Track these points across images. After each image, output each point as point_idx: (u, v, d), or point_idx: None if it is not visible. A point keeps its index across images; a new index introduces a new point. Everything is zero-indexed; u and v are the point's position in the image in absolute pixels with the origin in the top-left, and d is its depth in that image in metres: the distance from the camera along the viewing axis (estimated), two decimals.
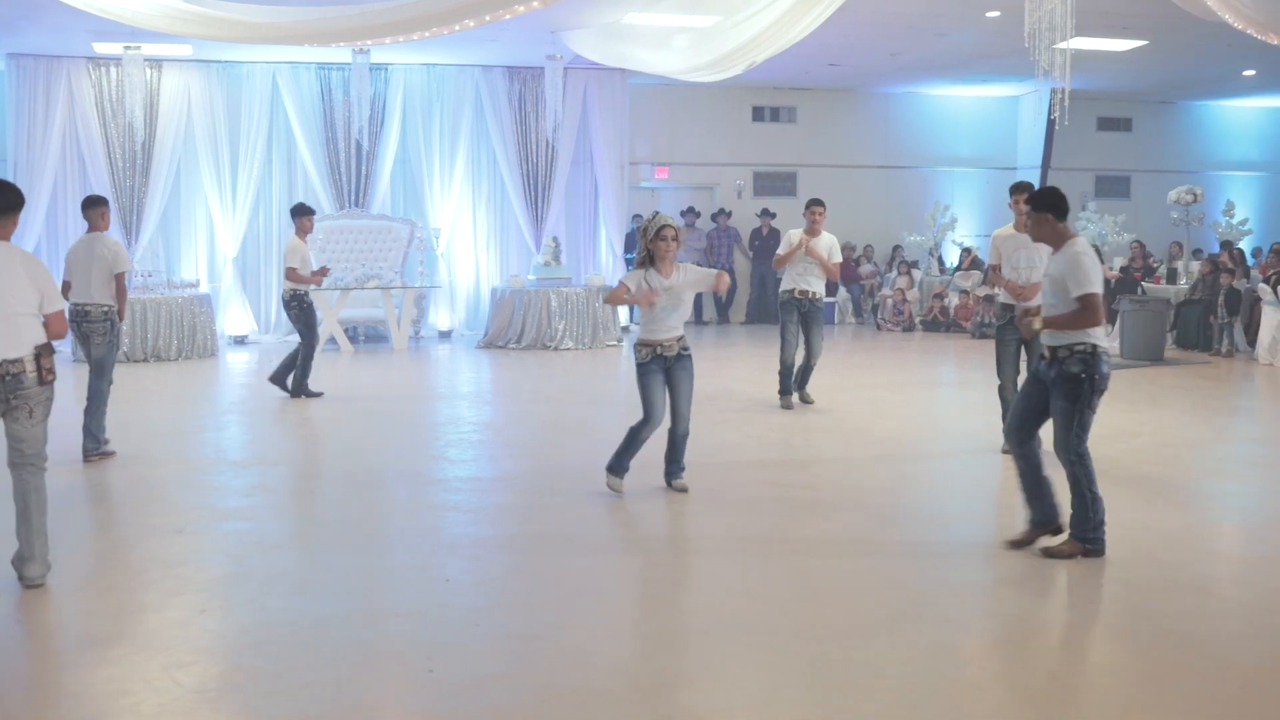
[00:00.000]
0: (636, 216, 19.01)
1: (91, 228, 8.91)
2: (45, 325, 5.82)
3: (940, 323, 18.57)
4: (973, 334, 17.61)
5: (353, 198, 17.52)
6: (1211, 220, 20.40)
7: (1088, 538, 5.97)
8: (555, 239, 17.50)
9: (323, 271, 11.91)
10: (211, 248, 17.46)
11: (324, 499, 7.79)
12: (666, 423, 7.42)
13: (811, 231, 10.69)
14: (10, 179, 16.17)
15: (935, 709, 4.26)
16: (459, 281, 18.31)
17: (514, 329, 16.33)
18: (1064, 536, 6.06)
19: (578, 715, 4.20)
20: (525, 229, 18.27)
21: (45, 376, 5.71)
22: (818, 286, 10.81)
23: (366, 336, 17.56)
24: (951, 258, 20.63)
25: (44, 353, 5.73)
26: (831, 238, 10.81)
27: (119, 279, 8.76)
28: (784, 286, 10.87)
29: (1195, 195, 17.91)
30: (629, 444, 7.46)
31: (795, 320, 10.79)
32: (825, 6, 11.43)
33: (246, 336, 17.21)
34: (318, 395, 11.65)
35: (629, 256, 18.34)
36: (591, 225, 18.97)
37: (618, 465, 7.51)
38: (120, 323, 8.86)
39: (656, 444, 7.55)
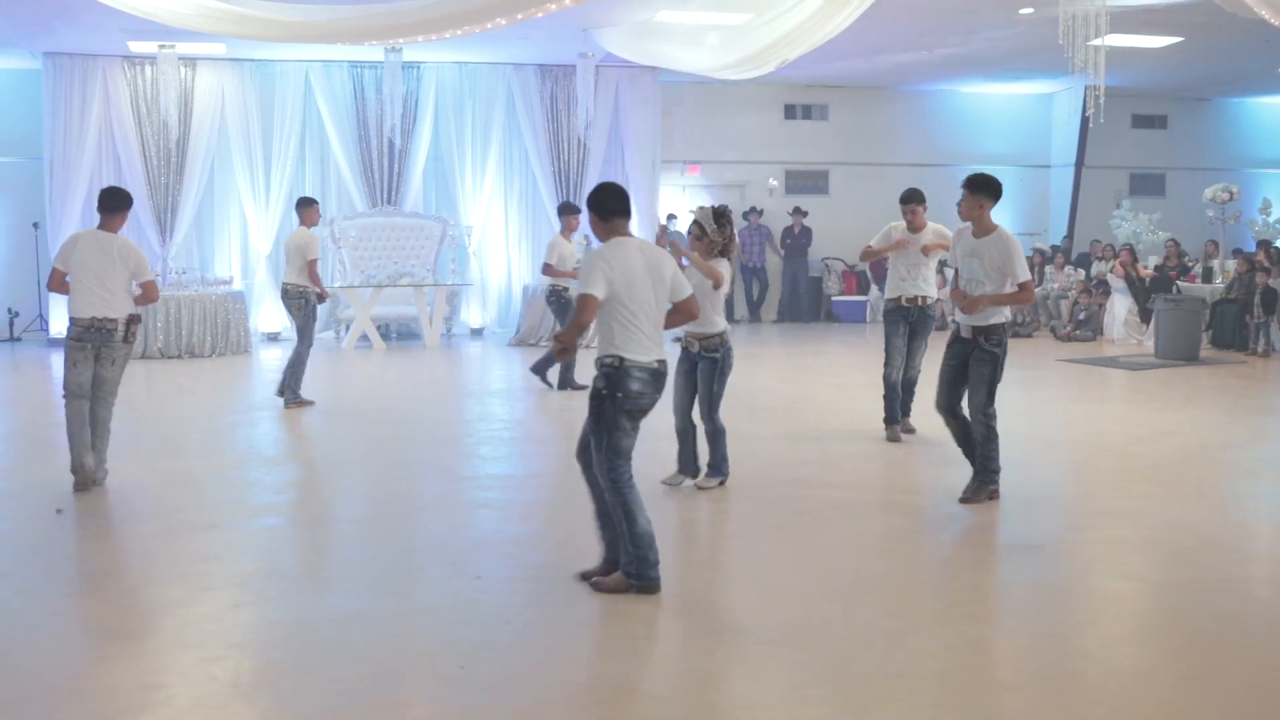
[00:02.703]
0: (671, 216, 18.99)
1: (301, 223, 10.93)
2: (141, 294, 7.67)
3: None
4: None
5: (385, 196, 17.58)
6: (1248, 218, 20.17)
7: (630, 572, 5.37)
8: (586, 237, 17.48)
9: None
10: (245, 245, 17.56)
11: (355, 495, 7.83)
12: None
13: (914, 229, 9.26)
14: (47, 176, 16.52)
15: (964, 711, 4.24)
16: (490, 279, 18.33)
17: (545, 326, 16.35)
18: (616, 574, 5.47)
19: (608, 713, 4.20)
20: (557, 227, 18.21)
21: (128, 337, 7.57)
22: (929, 290, 9.32)
23: (399, 334, 17.64)
24: None
25: (132, 320, 7.57)
26: (938, 227, 9.29)
27: (310, 265, 10.58)
28: (889, 295, 9.43)
29: (1231, 193, 17.71)
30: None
31: (902, 332, 9.31)
32: (857, 4, 11.38)
33: (279, 333, 17.28)
34: (583, 388, 11.53)
35: None
36: None
37: (722, 464, 7.63)
38: (316, 301, 10.71)
39: (670, 445, 7.72)
